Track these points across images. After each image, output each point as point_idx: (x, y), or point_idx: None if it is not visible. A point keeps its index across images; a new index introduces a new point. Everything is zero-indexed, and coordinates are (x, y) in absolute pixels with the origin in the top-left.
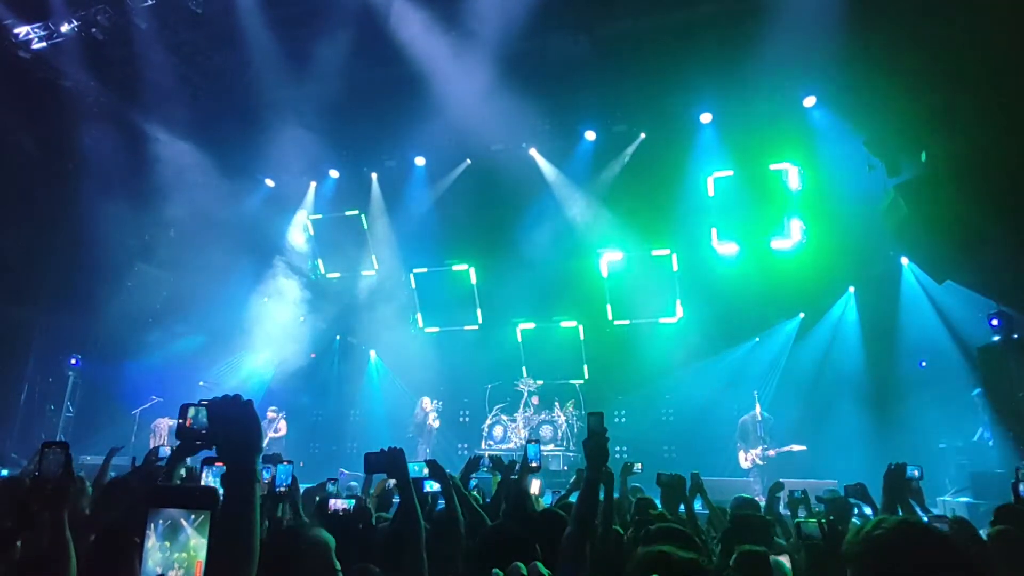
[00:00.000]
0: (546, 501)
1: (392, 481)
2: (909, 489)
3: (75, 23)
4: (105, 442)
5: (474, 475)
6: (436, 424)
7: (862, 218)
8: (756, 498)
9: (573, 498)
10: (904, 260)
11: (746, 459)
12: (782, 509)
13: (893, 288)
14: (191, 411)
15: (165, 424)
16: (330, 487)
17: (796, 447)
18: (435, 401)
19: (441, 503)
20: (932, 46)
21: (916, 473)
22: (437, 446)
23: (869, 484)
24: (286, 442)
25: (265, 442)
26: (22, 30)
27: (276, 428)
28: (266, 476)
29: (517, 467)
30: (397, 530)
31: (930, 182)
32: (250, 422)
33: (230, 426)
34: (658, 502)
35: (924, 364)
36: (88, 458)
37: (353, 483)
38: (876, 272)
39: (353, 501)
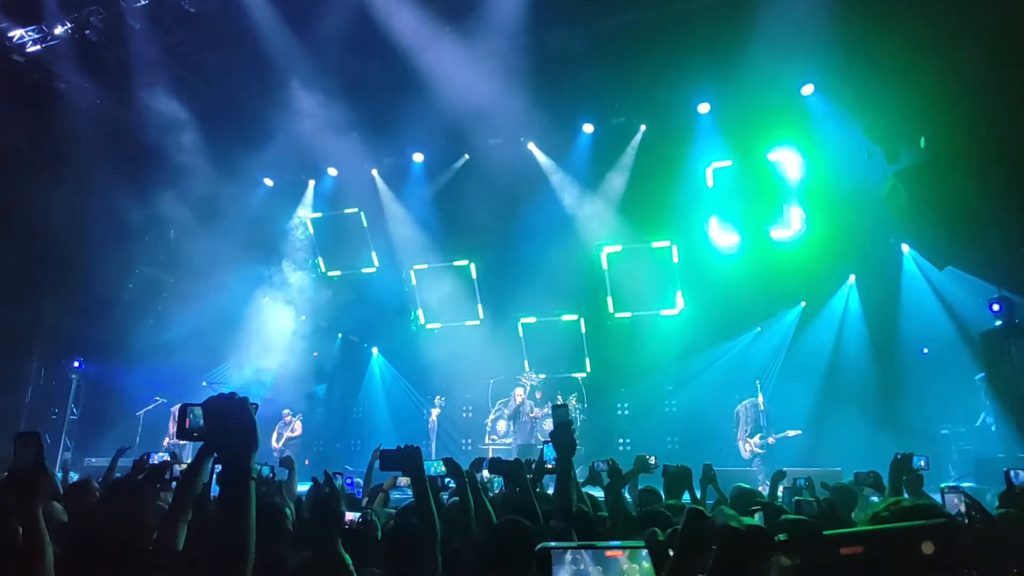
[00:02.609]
0: None
1: (404, 480)
2: (915, 478)
3: (69, 25)
4: (110, 444)
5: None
6: (535, 414)
7: (862, 206)
8: (759, 488)
9: (591, 489)
10: (905, 247)
11: (746, 448)
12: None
13: (894, 275)
14: (188, 411)
15: None
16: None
17: (792, 432)
18: (537, 392)
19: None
20: (929, 30)
21: (923, 463)
22: (443, 444)
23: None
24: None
25: (282, 442)
26: (16, 33)
27: (292, 428)
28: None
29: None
30: (400, 527)
31: (930, 168)
32: (245, 420)
33: (225, 424)
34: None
35: (926, 351)
36: (94, 460)
37: (357, 480)
38: (877, 260)
39: (359, 514)
